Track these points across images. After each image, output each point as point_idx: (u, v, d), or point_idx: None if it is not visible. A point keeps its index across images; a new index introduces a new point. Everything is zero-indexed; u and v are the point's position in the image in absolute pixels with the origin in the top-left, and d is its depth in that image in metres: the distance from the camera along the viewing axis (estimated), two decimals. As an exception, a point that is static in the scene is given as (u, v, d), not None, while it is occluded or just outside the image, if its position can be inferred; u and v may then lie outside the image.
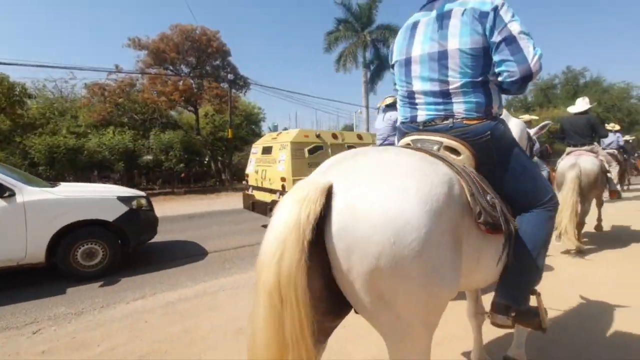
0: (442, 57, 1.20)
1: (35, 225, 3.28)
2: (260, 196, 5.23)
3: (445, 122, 1.23)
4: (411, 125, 1.35)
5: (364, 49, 20.20)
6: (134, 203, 3.85)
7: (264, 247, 0.87)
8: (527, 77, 1.14)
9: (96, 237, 3.60)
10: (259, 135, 23.29)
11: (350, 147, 5.21)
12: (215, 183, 20.82)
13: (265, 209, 4.89)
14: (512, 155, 1.25)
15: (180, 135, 16.75)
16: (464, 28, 1.16)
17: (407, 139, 1.33)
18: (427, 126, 1.27)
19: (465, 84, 1.19)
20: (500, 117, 1.30)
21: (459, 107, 1.21)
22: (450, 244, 0.91)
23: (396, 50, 1.39)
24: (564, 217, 3.39)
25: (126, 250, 3.82)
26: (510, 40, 1.12)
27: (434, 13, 1.26)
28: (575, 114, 4.13)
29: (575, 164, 3.63)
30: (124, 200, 3.80)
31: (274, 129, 34.03)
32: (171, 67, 21.91)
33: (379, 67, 21.57)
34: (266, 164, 5.14)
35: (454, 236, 0.93)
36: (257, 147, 5.74)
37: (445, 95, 1.22)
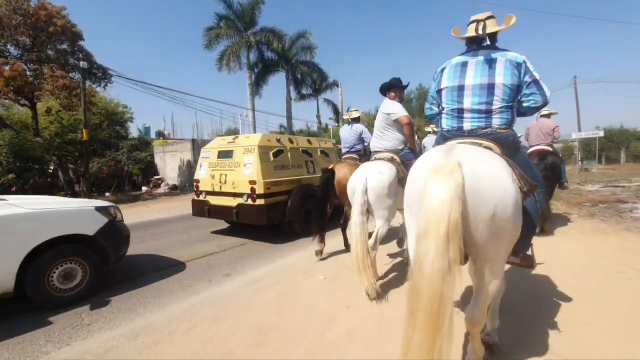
0: (490, 88, 1.95)
1: (1, 248, 2.85)
2: (221, 201, 5.47)
3: (484, 130, 1.98)
4: (457, 133, 2.09)
5: (248, 50, 20.53)
6: (111, 214, 3.66)
7: (434, 209, 1.44)
8: (544, 105, 2.00)
9: (75, 255, 3.32)
10: (125, 138, 20.51)
11: (304, 151, 6.12)
12: (66, 196, 17.42)
13: (231, 213, 5.24)
14: (520, 152, 2.09)
15: (8, 136, 13.44)
16: (506, 71, 1.92)
17: (453, 142, 2.00)
18: (471, 133, 2.02)
19: (503, 107, 1.95)
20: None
21: (496, 121, 1.98)
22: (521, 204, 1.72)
23: (447, 79, 2.13)
24: None
25: (106, 267, 3.60)
26: (536, 82, 1.94)
27: (481, 58, 2.01)
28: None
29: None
30: (101, 210, 3.58)
31: (146, 131, 30.19)
32: (-9, 46, 17.00)
33: (263, 70, 22.25)
34: (227, 168, 5.42)
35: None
36: (209, 152, 5.85)
37: (488, 113, 1.98)
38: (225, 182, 5.40)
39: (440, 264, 1.38)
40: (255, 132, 21.79)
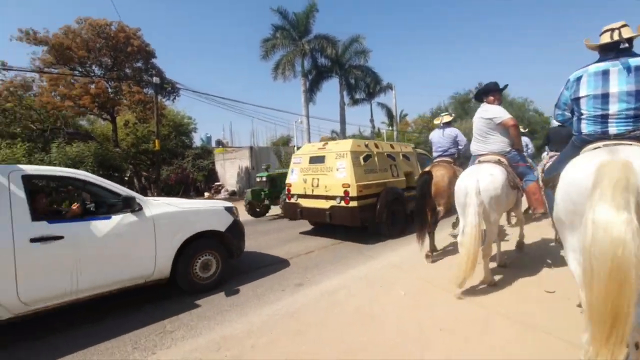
0: (638, 94, 2.12)
1: (163, 240, 3.49)
2: (313, 204, 5.95)
3: (632, 133, 2.13)
4: (601, 136, 2.23)
5: (302, 58, 21.32)
6: (234, 213, 4.23)
7: (615, 181, 1.63)
8: None
9: (211, 249, 3.91)
10: (190, 147, 22.36)
11: (388, 155, 6.40)
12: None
13: (323, 214, 5.67)
14: None
15: (93, 147, 15.19)
16: None
17: (598, 144, 2.19)
18: (617, 136, 2.17)
19: None
20: None
21: None
22: None
23: (587, 87, 2.28)
24: None
25: (232, 260, 4.16)
26: None
27: (621, 65, 2.14)
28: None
29: None
30: (228, 210, 4.17)
31: (207, 140, 32.76)
32: (79, 68, 19.60)
33: (317, 77, 22.97)
34: (318, 172, 5.90)
35: None
36: (299, 157, 6.41)
37: (636, 117, 2.13)
38: (318, 185, 5.84)
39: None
40: (309, 138, 22.50)
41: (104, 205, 3.52)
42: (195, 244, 3.76)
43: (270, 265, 4.76)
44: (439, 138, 5.09)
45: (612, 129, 2.23)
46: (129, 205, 3.29)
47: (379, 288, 3.66)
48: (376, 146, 6.18)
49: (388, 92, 25.78)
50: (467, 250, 3.12)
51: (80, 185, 3.42)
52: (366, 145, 5.97)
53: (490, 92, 3.88)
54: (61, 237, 2.87)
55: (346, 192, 5.36)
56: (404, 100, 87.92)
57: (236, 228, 4.20)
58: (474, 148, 3.94)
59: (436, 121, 5.28)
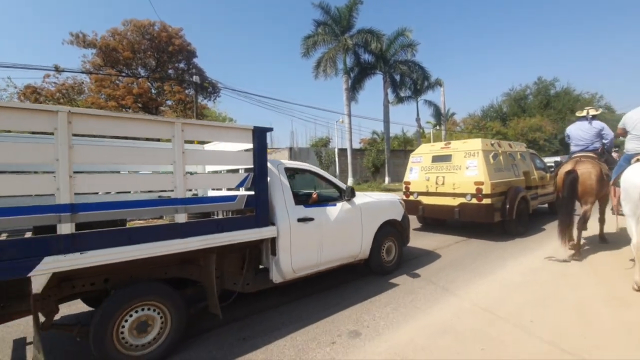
0: None
1: (366, 225, 4.31)
2: (437, 201, 6.73)
3: None
4: None
5: (345, 54, 21.98)
6: (403, 205, 5.14)
7: None
8: None
9: (392, 235, 4.75)
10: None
11: (510, 154, 7.22)
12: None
13: (451, 211, 6.49)
14: None
15: None
16: None
17: None
18: None
19: None
20: None
21: None
22: None
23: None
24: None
25: (404, 245, 5.04)
26: None
27: None
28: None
29: None
30: (400, 202, 5.05)
31: None
32: (125, 70, 21.13)
33: (360, 74, 23.43)
34: (444, 170, 6.71)
35: None
36: (420, 157, 7.26)
37: None
38: (443, 183, 6.64)
39: None
40: (351, 138, 23.26)
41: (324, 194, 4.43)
42: (383, 231, 4.55)
43: (420, 255, 5.62)
44: (580, 132, 5.57)
45: None
46: (346, 194, 4.19)
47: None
48: (499, 145, 6.94)
49: (436, 90, 26.43)
50: None
51: (314, 176, 4.27)
52: (492, 145, 6.73)
53: None
54: (312, 219, 3.79)
55: (478, 190, 6.12)
56: (453, 98, 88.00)
57: (406, 218, 5.03)
58: (633, 146, 4.43)
59: (578, 113, 5.78)
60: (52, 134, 2.28)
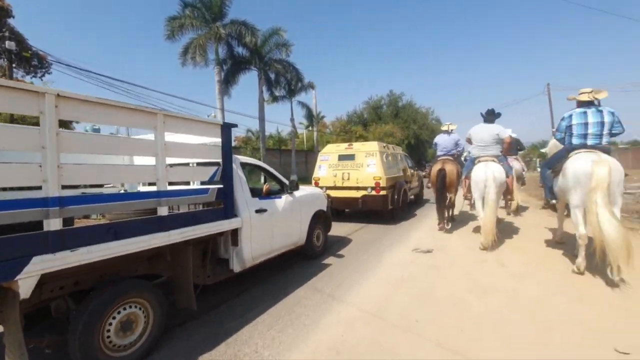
0: (602, 124, 4.35)
1: (303, 215, 4.89)
2: (343, 194, 7.76)
3: (599, 145, 4.35)
4: (582, 146, 4.42)
5: (217, 44, 20.75)
6: (325, 196, 5.85)
7: (599, 174, 3.99)
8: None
9: (319, 224, 5.42)
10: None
11: (395, 155, 8.79)
12: None
13: (356, 202, 7.63)
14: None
15: None
16: (608, 116, 4.32)
17: (580, 150, 4.39)
18: (591, 147, 4.36)
19: (607, 133, 4.35)
20: None
21: (605, 140, 4.36)
22: None
23: (575, 121, 4.56)
24: None
25: (326, 234, 5.77)
26: (619, 123, 4.37)
27: (593, 109, 4.40)
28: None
29: None
30: (325, 194, 5.77)
31: (96, 132, 28.41)
32: None
33: (233, 67, 22.66)
34: (348, 168, 7.78)
35: None
36: (327, 155, 8.19)
37: (601, 136, 4.37)
38: (349, 179, 7.75)
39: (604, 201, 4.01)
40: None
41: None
42: (314, 220, 5.22)
43: (338, 241, 6.42)
44: (443, 141, 7.42)
45: (589, 143, 4.63)
46: (290, 188, 4.69)
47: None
48: (387, 147, 8.52)
49: (309, 92, 28.16)
50: (490, 220, 5.40)
51: (262, 172, 4.58)
52: (385, 147, 8.22)
53: (495, 115, 6.44)
54: (265, 210, 4.16)
55: (377, 184, 7.41)
56: (324, 103, 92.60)
57: (329, 207, 5.80)
58: (476, 152, 6.19)
59: (443, 127, 7.64)
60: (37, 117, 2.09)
